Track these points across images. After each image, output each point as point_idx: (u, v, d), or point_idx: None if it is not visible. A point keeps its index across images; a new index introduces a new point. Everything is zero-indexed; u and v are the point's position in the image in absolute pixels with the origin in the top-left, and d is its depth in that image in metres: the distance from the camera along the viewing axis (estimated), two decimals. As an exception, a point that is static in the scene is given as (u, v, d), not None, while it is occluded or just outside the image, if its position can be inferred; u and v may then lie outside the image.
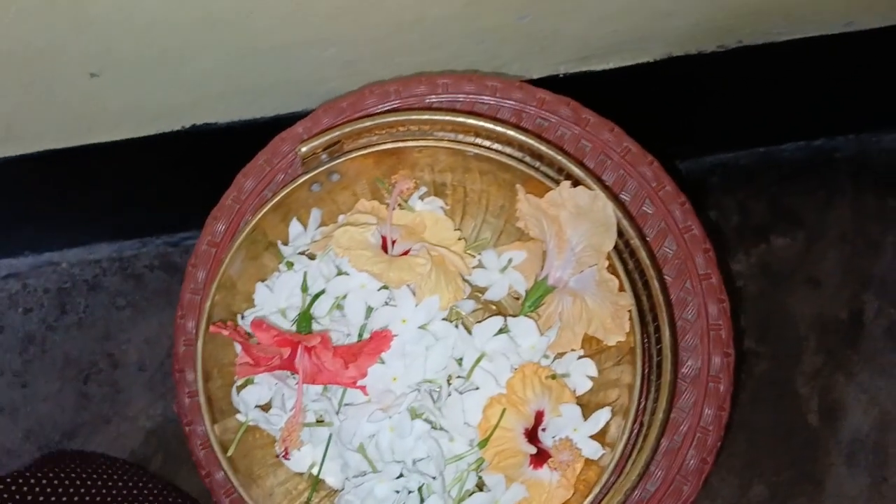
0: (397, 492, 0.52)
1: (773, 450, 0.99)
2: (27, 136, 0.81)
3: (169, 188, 0.95)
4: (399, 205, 0.59)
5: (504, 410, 0.53)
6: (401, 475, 0.53)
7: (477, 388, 0.55)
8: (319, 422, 0.55)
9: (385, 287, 0.55)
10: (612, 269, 0.56)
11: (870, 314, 1.02)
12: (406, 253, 0.56)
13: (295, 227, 0.60)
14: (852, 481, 0.98)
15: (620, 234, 0.56)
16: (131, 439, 1.00)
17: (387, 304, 0.55)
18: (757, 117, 1.00)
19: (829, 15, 0.79)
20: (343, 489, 0.54)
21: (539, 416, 0.55)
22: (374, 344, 0.52)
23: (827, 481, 0.98)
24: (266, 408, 0.56)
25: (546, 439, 0.55)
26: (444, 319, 0.56)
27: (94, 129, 0.81)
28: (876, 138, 1.06)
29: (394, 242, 0.56)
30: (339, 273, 0.55)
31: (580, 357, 0.57)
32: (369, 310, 0.55)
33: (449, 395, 0.54)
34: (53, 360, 1.03)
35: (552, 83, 0.82)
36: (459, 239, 0.59)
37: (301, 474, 0.56)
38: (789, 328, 1.02)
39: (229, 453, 0.52)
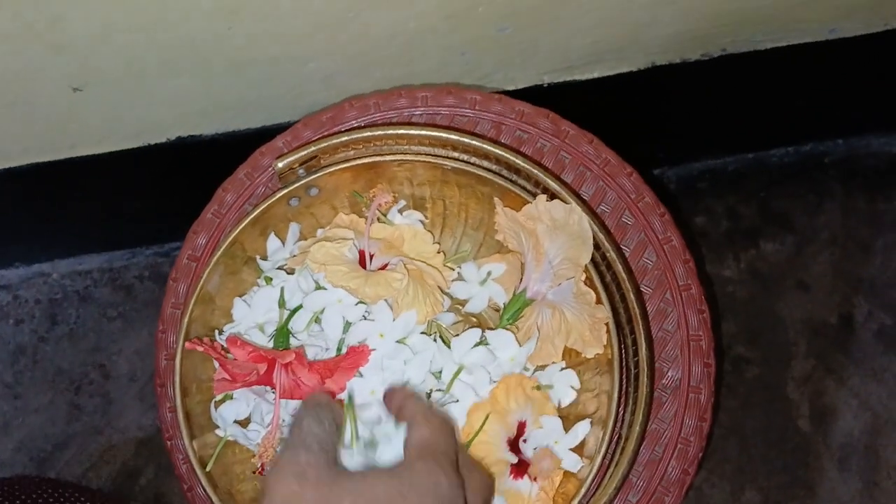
0: None
1: (764, 455, 0.99)
2: (12, 152, 0.81)
3: (157, 199, 0.96)
4: (378, 218, 0.59)
5: (488, 415, 0.54)
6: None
7: (456, 401, 0.55)
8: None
9: (363, 301, 0.55)
10: (589, 282, 0.56)
11: (860, 318, 1.02)
12: (384, 267, 0.56)
13: (273, 242, 0.60)
14: (844, 486, 0.98)
15: (597, 246, 0.56)
16: (123, 450, 1.01)
17: (364, 318, 0.55)
18: (745, 123, 1.00)
19: (812, 23, 0.79)
20: None
21: (521, 427, 0.55)
22: (351, 359, 0.52)
23: (819, 486, 0.98)
24: (245, 423, 0.56)
25: (527, 450, 0.55)
26: (422, 333, 0.56)
27: (80, 143, 0.81)
28: (864, 142, 1.06)
29: (372, 256, 0.56)
30: (318, 287, 0.55)
31: (563, 368, 0.57)
32: (347, 324, 0.55)
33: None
34: (45, 371, 1.03)
35: (536, 93, 0.82)
36: (438, 252, 0.59)
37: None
38: (780, 333, 1.02)
39: (208, 468, 0.52)
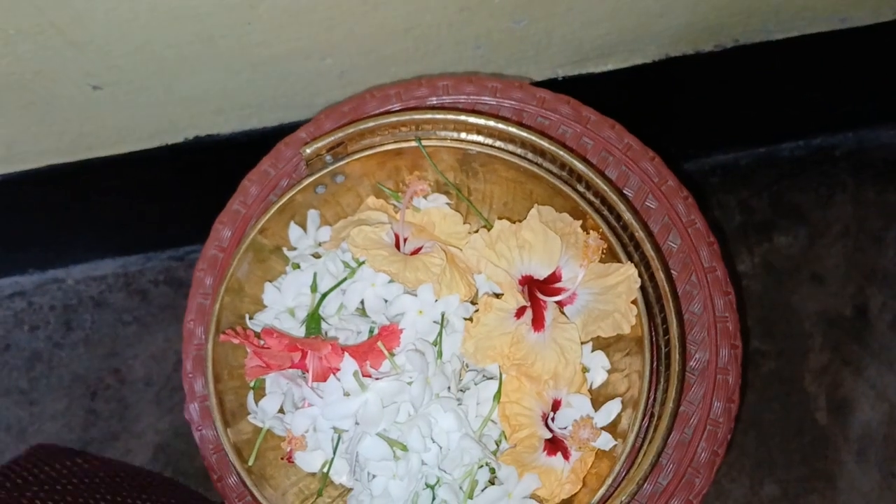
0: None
1: (783, 448, 0.99)
2: (29, 154, 0.81)
3: (172, 201, 0.96)
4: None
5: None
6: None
7: (491, 378, 0.55)
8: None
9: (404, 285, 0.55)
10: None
11: (874, 309, 1.02)
12: (418, 250, 0.56)
13: (294, 230, 0.60)
14: (863, 477, 0.98)
15: (625, 227, 0.56)
16: (140, 455, 1.00)
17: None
18: (756, 118, 1.01)
19: (821, 12, 0.80)
20: (355, 488, 0.54)
21: (556, 405, 0.55)
22: (383, 339, 0.52)
23: (838, 478, 0.98)
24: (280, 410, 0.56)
25: (555, 430, 0.55)
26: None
27: (97, 144, 0.81)
28: (874, 134, 1.07)
29: (405, 240, 0.56)
30: (347, 267, 0.56)
31: (593, 350, 0.57)
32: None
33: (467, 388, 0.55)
34: (60, 377, 1.03)
35: (550, 86, 0.82)
36: (469, 233, 0.59)
37: (313, 474, 0.56)
38: (795, 325, 1.02)
39: (250, 463, 0.52)
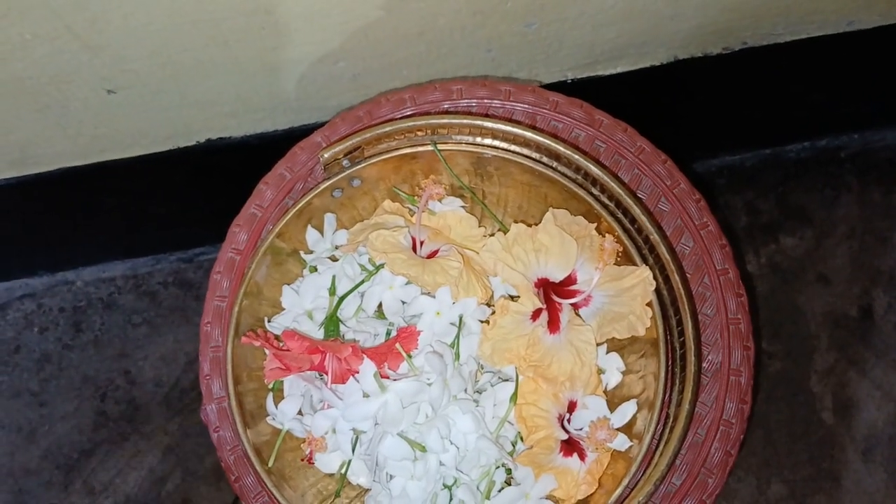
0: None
1: (789, 448, 0.99)
2: (42, 157, 0.82)
3: (183, 204, 0.96)
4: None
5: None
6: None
7: (507, 380, 0.56)
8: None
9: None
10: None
11: (880, 310, 1.03)
12: (434, 253, 0.57)
13: (312, 234, 0.60)
14: (869, 477, 0.98)
15: (639, 230, 0.56)
16: (149, 456, 1.01)
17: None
18: (762, 119, 1.01)
19: (830, 15, 0.81)
20: (373, 489, 0.55)
21: (572, 406, 0.56)
22: (401, 343, 0.53)
23: (844, 478, 0.98)
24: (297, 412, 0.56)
25: (571, 431, 0.56)
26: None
27: (110, 147, 0.82)
28: (879, 135, 1.07)
29: (422, 243, 0.56)
30: (363, 270, 0.56)
31: (608, 352, 0.58)
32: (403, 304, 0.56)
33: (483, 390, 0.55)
34: (70, 379, 1.03)
35: (560, 88, 0.83)
36: (484, 236, 0.60)
37: (332, 475, 0.57)
38: (801, 326, 1.03)
39: (270, 464, 0.53)
